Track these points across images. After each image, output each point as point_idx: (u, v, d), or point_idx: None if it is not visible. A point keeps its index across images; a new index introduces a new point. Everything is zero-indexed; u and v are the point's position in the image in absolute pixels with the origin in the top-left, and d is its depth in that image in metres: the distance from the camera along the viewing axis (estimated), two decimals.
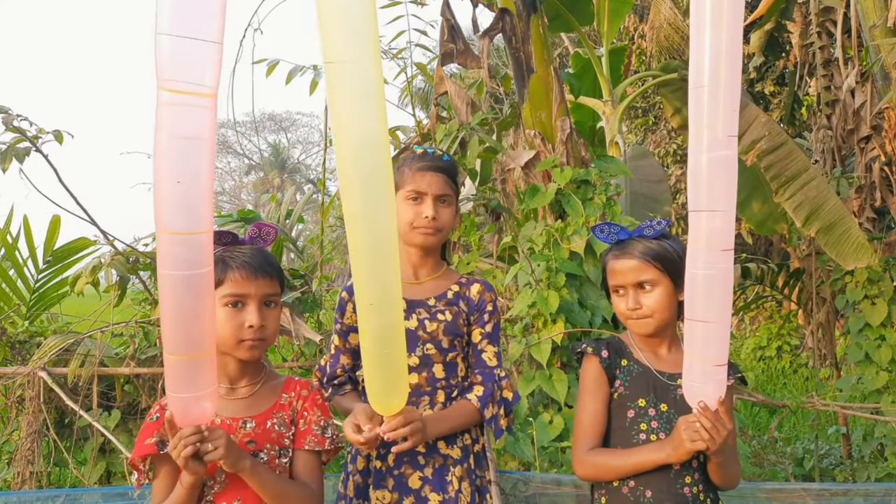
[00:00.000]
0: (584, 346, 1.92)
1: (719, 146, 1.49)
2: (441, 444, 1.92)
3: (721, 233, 1.53)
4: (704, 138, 1.49)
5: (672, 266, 1.82)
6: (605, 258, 1.94)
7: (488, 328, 2.02)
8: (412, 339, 1.90)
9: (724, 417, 1.64)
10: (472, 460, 1.96)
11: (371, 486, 1.91)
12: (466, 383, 1.99)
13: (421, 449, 1.89)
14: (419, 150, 2.04)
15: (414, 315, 1.94)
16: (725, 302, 1.58)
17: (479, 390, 1.95)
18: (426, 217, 1.94)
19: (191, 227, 1.37)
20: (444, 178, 1.98)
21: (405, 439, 1.74)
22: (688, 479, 1.78)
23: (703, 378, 1.63)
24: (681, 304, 1.82)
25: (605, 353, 1.88)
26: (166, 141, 1.33)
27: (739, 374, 1.88)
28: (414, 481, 1.89)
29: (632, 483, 1.78)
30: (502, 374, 2.00)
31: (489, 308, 2.03)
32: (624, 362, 1.88)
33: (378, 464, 1.92)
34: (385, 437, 1.72)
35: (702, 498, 1.79)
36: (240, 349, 1.68)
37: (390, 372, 1.62)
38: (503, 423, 1.98)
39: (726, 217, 1.52)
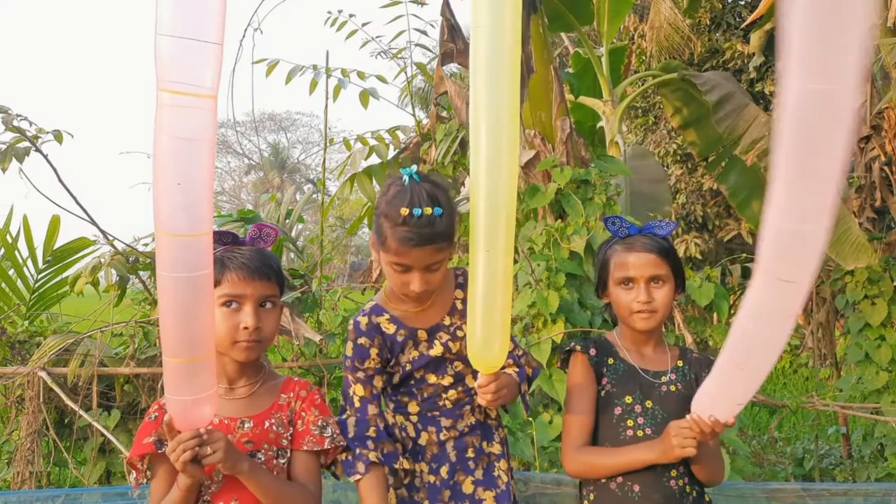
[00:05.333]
0: (573, 344, 1.96)
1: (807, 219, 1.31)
2: (485, 444, 1.96)
3: (795, 301, 1.42)
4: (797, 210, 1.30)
5: (677, 267, 1.90)
6: (608, 250, 1.94)
7: None
8: (441, 364, 1.90)
9: (718, 430, 1.67)
10: (507, 451, 2.01)
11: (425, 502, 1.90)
12: None
13: (470, 454, 1.93)
14: (404, 211, 1.67)
15: (436, 341, 1.89)
16: (769, 361, 1.53)
17: (513, 368, 1.95)
18: (413, 290, 1.76)
19: (191, 228, 1.36)
20: (432, 248, 1.71)
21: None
22: (673, 473, 1.83)
23: (727, 407, 1.64)
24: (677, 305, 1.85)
25: (592, 352, 1.93)
26: (166, 142, 1.31)
27: None
28: (467, 486, 1.91)
29: (620, 479, 1.83)
30: (519, 353, 2.00)
31: None
32: (611, 361, 1.92)
33: (432, 478, 1.90)
34: (477, 388, 1.76)
35: (687, 490, 1.84)
36: (235, 350, 1.68)
37: (496, 324, 1.65)
38: (528, 398, 2.01)
39: (804, 284, 1.39)
